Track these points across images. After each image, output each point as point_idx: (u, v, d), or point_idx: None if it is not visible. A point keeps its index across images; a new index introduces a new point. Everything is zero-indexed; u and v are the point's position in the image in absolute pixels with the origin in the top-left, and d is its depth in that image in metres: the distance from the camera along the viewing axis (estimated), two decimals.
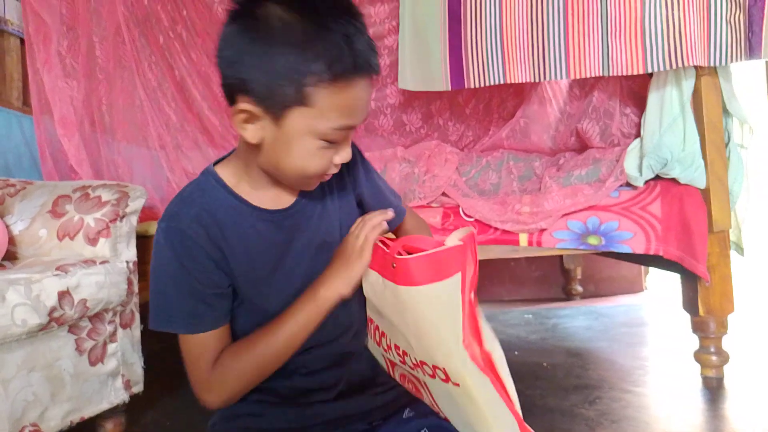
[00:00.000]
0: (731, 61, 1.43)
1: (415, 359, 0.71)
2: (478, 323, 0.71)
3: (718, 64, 1.43)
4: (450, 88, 1.60)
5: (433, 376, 0.70)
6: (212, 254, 0.68)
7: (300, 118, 0.63)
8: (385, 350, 0.79)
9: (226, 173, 0.73)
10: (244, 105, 0.63)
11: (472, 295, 0.70)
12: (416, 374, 0.73)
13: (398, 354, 0.74)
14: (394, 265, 0.66)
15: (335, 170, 0.70)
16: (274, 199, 0.74)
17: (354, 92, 0.63)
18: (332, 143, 0.65)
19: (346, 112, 0.63)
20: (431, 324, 0.67)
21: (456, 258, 0.65)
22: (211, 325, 0.69)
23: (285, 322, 0.68)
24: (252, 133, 0.65)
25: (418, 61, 1.62)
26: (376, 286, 0.72)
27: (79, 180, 1.71)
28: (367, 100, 0.67)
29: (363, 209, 0.82)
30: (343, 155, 0.68)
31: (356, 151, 0.80)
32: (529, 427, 0.65)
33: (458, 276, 0.65)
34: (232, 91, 0.65)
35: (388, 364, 0.84)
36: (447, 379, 0.67)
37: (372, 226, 0.70)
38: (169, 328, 0.69)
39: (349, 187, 0.80)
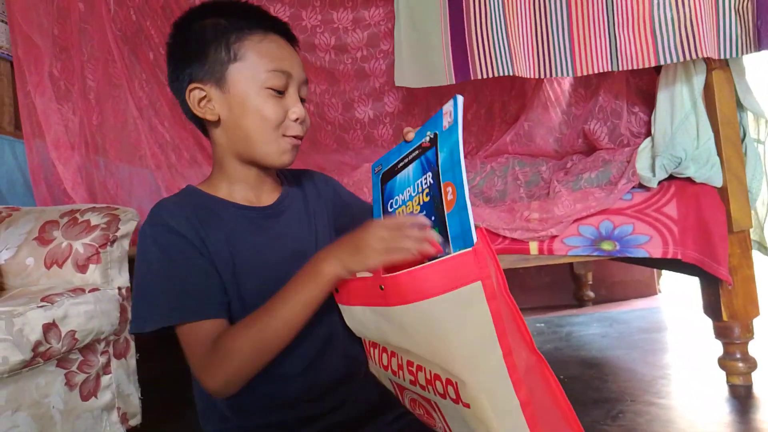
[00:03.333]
0: (742, 53, 1.36)
1: (430, 373, 0.64)
2: (521, 327, 0.64)
3: (728, 56, 1.36)
4: (454, 81, 1.48)
5: (444, 396, 0.64)
6: (194, 241, 0.69)
7: (239, 75, 0.72)
8: (393, 373, 0.73)
9: (203, 185, 0.80)
10: (193, 87, 0.74)
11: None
12: (427, 395, 0.66)
13: (410, 373, 0.68)
14: (382, 287, 0.59)
15: (298, 130, 0.75)
16: (252, 200, 0.79)
17: (274, 43, 0.74)
18: (278, 92, 0.73)
19: (275, 58, 0.73)
20: (443, 339, 0.60)
21: (464, 265, 0.57)
22: (198, 313, 0.66)
23: (285, 299, 0.65)
24: (210, 112, 0.75)
25: (416, 54, 1.52)
26: (364, 319, 0.66)
27: (71, 204, 1.66)
28: (292, 56, 0.76)
29: (351, 217, 0.86)
30: (296, 110, 0.74)
31: (329, 178, 0.92)
32: None
33: (476, 285, 0.57)
34: (183, 90, 0.76)
35: (396, 388, 0.77)
36: (457, 400, 0.61)
37: (416, 239, 0.61)
38: (145, 326, 0.67)
39: (327, 204, 0.86)
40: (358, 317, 0.68)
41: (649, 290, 2.73)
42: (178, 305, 0.66)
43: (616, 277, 2.73)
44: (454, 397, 0.61)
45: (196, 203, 0.75)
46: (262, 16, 0.76)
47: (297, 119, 0.74)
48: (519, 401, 0.59)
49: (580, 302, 2.67)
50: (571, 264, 2.65)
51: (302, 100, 0.77)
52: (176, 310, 0.66)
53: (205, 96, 0.75)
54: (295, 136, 0.76)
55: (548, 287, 2.74)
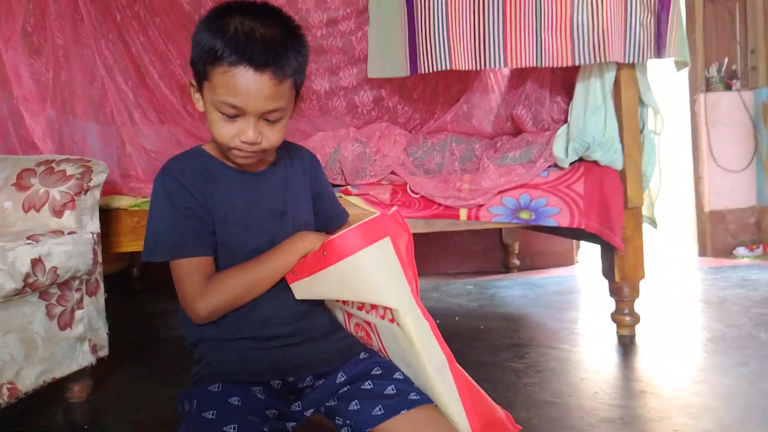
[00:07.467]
0: (643, 59, 1.62)
1: (370, 305, 0.85)
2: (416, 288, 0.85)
3: (631, 61, 1.62)
4: (408, 74, 1.73)
5: (383, 317, 0.84)
6: (197, 196, 0.86)
7: (206, 91, 0.82)
8: (344, 303, 0.92)
9: (208, 147, 0.92)
10: (190, 81, 0.87)
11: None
12: (370, 319, 0.86)
13: (355, 304, 0.88)
14: (324, 252, 0.80)
15: (248, 149, 0.83)
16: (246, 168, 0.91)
17: (236, 78, 0.78)
18: (228, 117, 0.81)
19: (230, 92, 0.79)
20: (375, 281, 0.80)
21: (377, 226, 0.78)
22: (195, 251, 0.84)
23: (272, 257, 0.87)
24: (198, 103, 0.87)
25: (384, 50, 1.75)
26: (312, 287, 0.85)
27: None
28: (254, 89, 0.79)
29: (320, 203, 1.03)
30: (246, 135, 0.81)
31: (316, 160, 1.05)
32: (458, 366, 0.80)
33: (387, 240, 0.78)
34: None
35: (345, 316, 0.97)
36: (393, 320, 0.82)
37: None
38: (156, 257, 0.84)
39: (308, 180, 1.01)
40: (305, 287, 0.86)
41: (568, 260, 3.06)
42: (181, 243, 0.84)
43: (540, 247, 3.03)
44: (391, 317, 0.82)
45: (201, 163, 0.90)
46: (244, 46, 0.77)
47: (245, 142, 0.82)
48: (428, 323, 0.81)
49: (507, 269, 2.96)
50: (500, 234, 2.93)
51: (270, 121, 0.83)
52: (179, 247, 0.84)
53: (194, 89, 0.87)
54: (241, 150, 0.84)
55: (479, 254, 3.01)
